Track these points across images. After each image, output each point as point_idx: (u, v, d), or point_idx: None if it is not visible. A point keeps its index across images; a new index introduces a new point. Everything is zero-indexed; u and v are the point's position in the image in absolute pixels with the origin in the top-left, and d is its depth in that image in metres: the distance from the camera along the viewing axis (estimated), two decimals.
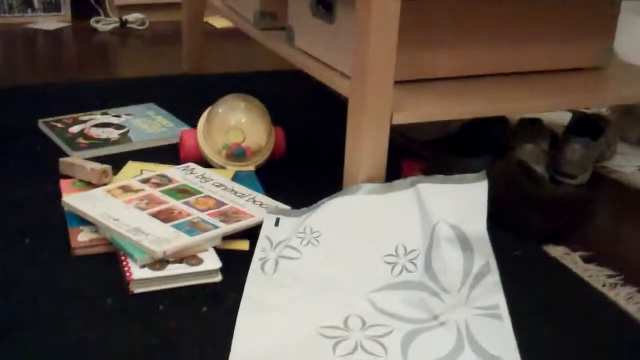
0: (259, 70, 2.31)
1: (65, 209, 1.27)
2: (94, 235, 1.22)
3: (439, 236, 1.11)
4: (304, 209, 1.27)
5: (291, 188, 1.43)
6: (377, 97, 1.20)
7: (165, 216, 1.24)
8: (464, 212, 1.14)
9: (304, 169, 1.56)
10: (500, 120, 1.66)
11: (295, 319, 1.03)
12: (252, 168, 1.49)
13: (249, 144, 1.47)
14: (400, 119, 1.24)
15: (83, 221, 1.24)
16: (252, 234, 1.24)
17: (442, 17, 1.36)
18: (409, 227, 1.17)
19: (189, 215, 1.24)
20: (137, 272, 1.10)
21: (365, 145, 1.23)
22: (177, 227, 1.20)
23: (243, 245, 1.24)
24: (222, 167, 1.48)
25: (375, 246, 1.17)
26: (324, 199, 1.25)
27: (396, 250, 1.15)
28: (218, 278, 1.14)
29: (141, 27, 2.80)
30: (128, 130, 1.69)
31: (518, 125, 1.60)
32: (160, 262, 1.13)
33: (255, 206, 1.29)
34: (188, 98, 1.97)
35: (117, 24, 2.78)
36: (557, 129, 1.78)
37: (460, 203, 1.15)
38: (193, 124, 1.72)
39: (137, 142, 1.63)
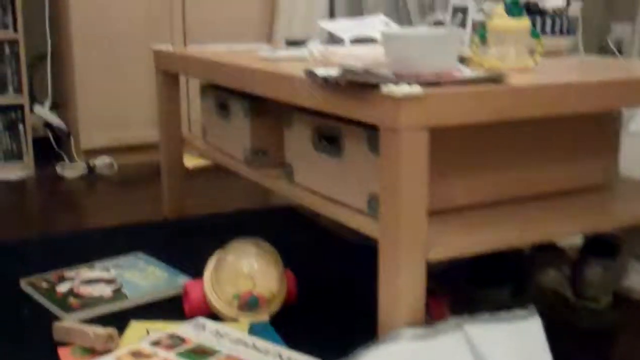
0: (244, 208, 2.23)
1: None
2: None
3: None
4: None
5: (312, 338, 1.32)
6: (411, 233, 1.13)
7: None
8: (528, 353, 1.04)
9: (319, 315, 1.45)
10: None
11: None
12: (266, 318, 1.37)
13: (262, 292, 1.36)
14: (438, 254, 1.16)
15: None
16: None
17: (453, 146, 1.31)
18: None
19: None
20: None
21: (402, 286, 1.14)
22: None
23: None
24: (234, 320, 1.36)
25: None
26: (360, 350, 1.14)
27: None
28: None
29: (110, 171, 2.71)
30: (121, 286, 1.56)
31: (535, 251, 1.53)
32: None
33: None
34: (175, 244, 1.86)
35: (84, 170, 2.68)
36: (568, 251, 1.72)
37: (520, 344, 1.06)
38: (188, 272, 1.61)
39: (134, 298, 1.50)
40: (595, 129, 1.47)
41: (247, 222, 2.06)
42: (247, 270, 1.36)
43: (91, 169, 2.69)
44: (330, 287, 1.59)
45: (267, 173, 1.60)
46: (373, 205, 1.24)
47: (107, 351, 1.22)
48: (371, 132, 1.22)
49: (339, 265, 1.71)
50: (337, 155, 1.33)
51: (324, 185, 1.37)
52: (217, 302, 1.37)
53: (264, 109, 1.64)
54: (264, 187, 1.62)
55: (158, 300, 1.51)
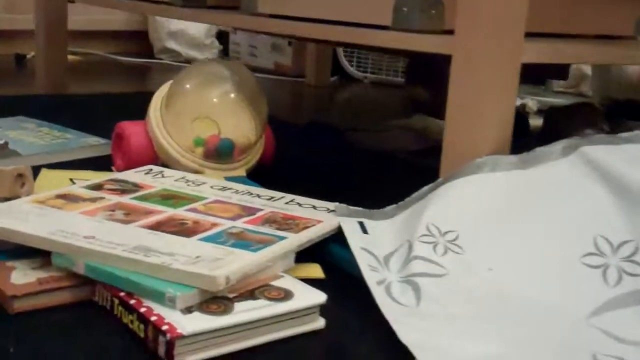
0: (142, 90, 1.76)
1: None
2: (43, 273, 0.63)
3: None
4: (392, 207, 0.78)
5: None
6: (504, 35, 0.77)
7: (175, 229, 0.68)
8: None
9: (303, 179, 1.06)
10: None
11: None
12: (242, 172, 0.96)
13: (237, 137, 0.95)
14: (531, 56, 0.81)
15: (3, 254, 0.65)
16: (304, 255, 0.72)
17: None
18: (599, 209, 0.72)
19: (215, 225, 0.70)
20: (184, 323, 0.54)
21: (491, 106, 0.78)
22: (210, 240, 0.65)
23: (315, 271, 0.71)
24: (197, 173, 0.93)
25: (558, 244, 0.70)
26: (428, 187, 0.77)
27: (597, 246, 0.70)
28: (319, 323, 0.61)
29: None
30: (6, 143, 1.07)
31: (573, 109, 1.23)
32: (217, 301, 0.58)
33: (305, 210, 0.77)
34: (65, 116, 1.37)
35: None
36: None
37: None
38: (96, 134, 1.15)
39: (30, 156, 1.02)
40: None
41: None
42: (217, 104, 0.94)
43: None
44: (310, 155, 1.20)
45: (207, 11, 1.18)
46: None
47: (14, 198, 0.76)
48: None
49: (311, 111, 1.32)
50: None
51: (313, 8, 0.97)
52: (173, 148, 0.94)
53: None
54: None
55: (66, 162, 1.05)
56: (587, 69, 1.93)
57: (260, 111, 0.97)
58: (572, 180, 0.75)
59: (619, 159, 0.74)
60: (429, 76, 1.66)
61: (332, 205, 0.79)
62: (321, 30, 0.95)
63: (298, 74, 2.17)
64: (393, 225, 0.75)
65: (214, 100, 0.94)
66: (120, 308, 0.58)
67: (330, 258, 0.74)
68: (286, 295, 0.60)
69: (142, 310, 0.56)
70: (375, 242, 0.72)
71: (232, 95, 0.94)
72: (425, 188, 0.77)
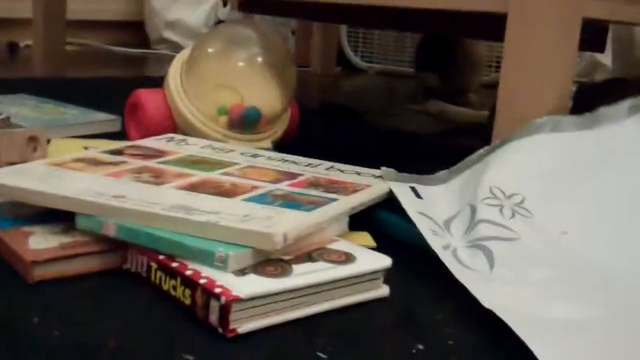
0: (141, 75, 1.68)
1: None
2: (66, 238, 0.55)
3: None
4: (445, 172, 0.71)
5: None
6: None
7: (213, 190, 0.61)
8: None
9: (331, 151, 0.99)
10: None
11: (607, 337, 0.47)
12: (267, 144, 0.89)
13: (263, 106, 0.88)
14: (593, 11, 0.75)
15: (20, 220, 0.58)
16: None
17: None
18: None
19: (256, 188, 0.62)
20: (240, 285, 0.47)
21: (550, 64, 0.72)
22: (255, 201, 0.58)
23: (365, 239, 0.64)
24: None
25: (630, 206, 0.64)
26: (484, 150, 0.71)
27: None
28: (384, 290, 0.54)
29: None
30: (8, 117, 0.99)
31: (604, 86, 1.17)
32: (273, 263, 0.51)
33: (349, 175, 0.70)
34: (64, 97, 1.30)
35: None
36: None
37: None
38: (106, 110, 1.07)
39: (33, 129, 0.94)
40: None
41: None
42: (242, 70, 0.87)
43: None
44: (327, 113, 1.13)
45: None
46: None
47: (24, 162, 0.68)
48: None
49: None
50: None
51: None
52: (194, 117, 0.87)
53: None
54: None
55: (74, 137, 0.97)
56: (602, 57, 1.88)
57: (288, 79, 0.90)
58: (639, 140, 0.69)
59: None
60: (438, 63, 1.60)
61: (377, 171, 0.72)
62: None
63: (302, 63, 2.10)
64: (448, 189, 0.68)
65: (240, 64, 0.86)
66: (159, 273, 0.51)
67: (380, 226, 0.67)
68: (347, 258, 0.53)
69: (188, 273, 0.49)
70: (431, 206, 0.65)
71: (259, 59, 0.87)
72: (481, 151, 0.71)
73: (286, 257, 0.52)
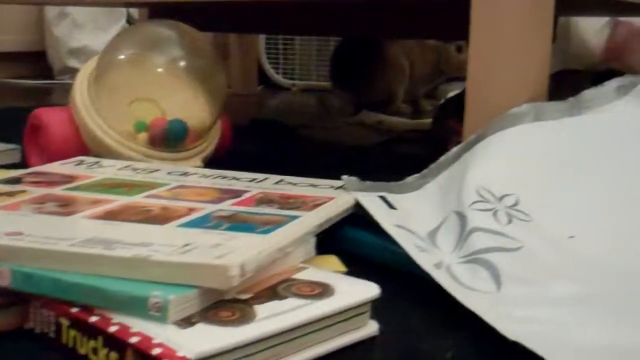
0: None
1: None
2: None
3: None
4: (415, 177, 0.59)
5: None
6: None
7: (139, 217, 0.47)
8: None
9: (270, 165, 0.86)
10: None
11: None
12: (197, 162, 0.76)
13: (190, 118, 0.75)
14: None
15: None
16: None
17: None
18: None
19: (194, 210, 0.49)
20: (186, 342, 0.34)
21: (525, 43, 0.62)
22: (194, 226, 0.45)
23: (333, 263, 0.52)
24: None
25: (636, 198, 0.54)
26: (459, 148, 0.60)
27: None
28: (372, 327, 0.41)
29: None
30: None
31: (556, 77, 1.09)
32: (228, 306, 0.38)
33: (304, 188, 0.58)
34: None
35: None
36: None
37: None
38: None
39: None
40: None
41: None
42: (161, 76, 0.74)
43: None
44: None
45: None
46: None
47: None
48: None
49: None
50: None
51: None
52: (108, 136, 0.73)
53: None
54: None
55: None
56: None
57: (217, 86, 0.77)
58: (633, 123, 0.60)
59: None
60: (356, 74, 1.47)
61: (335, 182, 0.60)
62: None
63: None
64: (424, 197, 0.57)
65: (158, 71, 0.73)
66: (72, 332, 0.37)
67: (347, 245, 0.55)
68: (324, 290, 0.40)
69: (113, 329, 0.35)
70: (408, 218, 0.53)
71: (182, 64, 0.74)
72: (455, 149, 0.60)
73: (244, 296, 0.39)
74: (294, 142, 1.11)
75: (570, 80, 1.10)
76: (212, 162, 0.80)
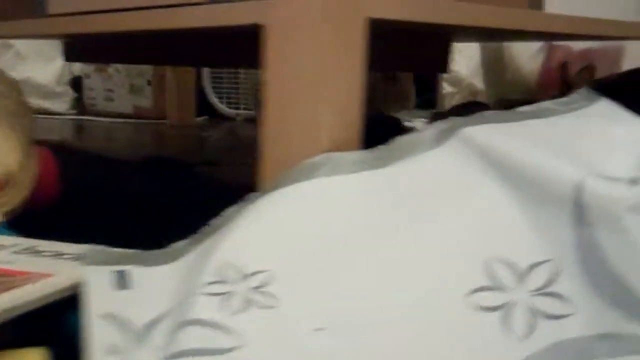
0: None
1: None
2: None
3: (608, 209, 0.42)
4: (184, 242, 0.49)
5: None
6: None
7: None
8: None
9: (91, 218, 0.77)
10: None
11: None
12: None
13: None
14: (381, 11, 0.56)
15: None
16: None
17: None
18: (495, 216, 0.46)
19: None
20: None
21: (329, 76, 0.52)
22: None
23: (32, 357, 0.42)
24: None
25: (433, 279, 0.44)
26: (236, 207, 0.50)
27: (492, 276, 0.43)
28: None
29: None
30: None
31: (460, 109, 0.99)
32: None
33: (41, 259, 0.48)
34: None
35: None
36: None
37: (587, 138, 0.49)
38: None
39: None
40: None
41: None
42: None
43: None
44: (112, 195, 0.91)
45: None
46: None
47: None
48: None
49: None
50: None
51: None
52: None
53: None
54: None
55: None
56: (480, 83, 1.73)
57: (22, 126, 0.68)
58: (452, 177, 0.49)
59: (518, 141, 0.49)
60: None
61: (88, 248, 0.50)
62: (124, 20, 0.69)
63: (160, 116, 1.89)
64: (179, 269, 0.46)
65: None
66: None
67: (69, 334, 0.45)
68: None
69: None
70: (138, 301, 0.43)
71: None
72: (232, 209, 0.50)
73: None
74: (179, 181, 1.02)
75: (478, 112, 0.99)
76: (42, 211, 0.71)
